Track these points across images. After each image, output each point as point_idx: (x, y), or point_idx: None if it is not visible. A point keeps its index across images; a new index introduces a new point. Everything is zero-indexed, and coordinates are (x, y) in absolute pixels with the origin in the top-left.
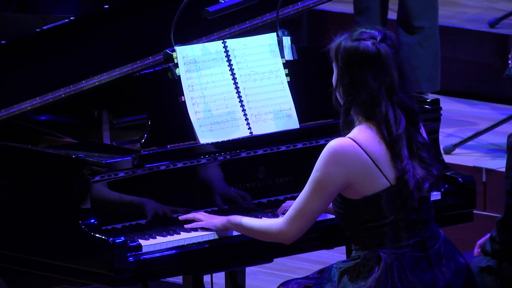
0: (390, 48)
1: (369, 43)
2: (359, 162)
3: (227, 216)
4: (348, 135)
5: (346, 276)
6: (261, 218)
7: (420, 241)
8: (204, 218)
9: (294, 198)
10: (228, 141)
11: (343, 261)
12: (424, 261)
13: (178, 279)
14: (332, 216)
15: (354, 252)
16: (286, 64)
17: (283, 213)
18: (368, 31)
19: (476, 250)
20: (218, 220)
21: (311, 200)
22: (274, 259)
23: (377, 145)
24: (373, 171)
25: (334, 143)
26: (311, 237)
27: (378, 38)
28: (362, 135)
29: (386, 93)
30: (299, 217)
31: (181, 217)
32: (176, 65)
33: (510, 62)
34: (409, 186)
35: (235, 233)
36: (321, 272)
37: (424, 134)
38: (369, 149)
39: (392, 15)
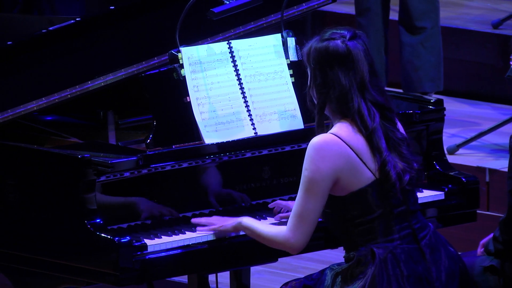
0: (360, 45)
1: (338, 41)
2: (344, 156)
3: (239, 217)
4: (330, 131)
5: (340, 277)
6: (266, 218)
7: (411, 233)
8: (216, 221)
9: None
10: (233, 141)
11: (338, 264)
12: (417, 252)
13: (183, 279)
14: None
15: (346, 253)
16: (291, 65)
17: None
18: (338, 31)
19: (479, 250)
20: (230, 223)
21: (306, 201)
22: (279, 259)
23: (358, 139)
24: (358, 165)
25: (317, 139)
26: (315, 236)
27: (348, 37)
28: (342, 130)
29: (358, 89)
30: (300, 222)
31: (193, 220)
32: (181, 66)
33: (511, 63)
34: (391, 178)
35: (240, 232)
36: (323, 272)
37: (402, 130)
38: (351, 143)
39: (394, 15)
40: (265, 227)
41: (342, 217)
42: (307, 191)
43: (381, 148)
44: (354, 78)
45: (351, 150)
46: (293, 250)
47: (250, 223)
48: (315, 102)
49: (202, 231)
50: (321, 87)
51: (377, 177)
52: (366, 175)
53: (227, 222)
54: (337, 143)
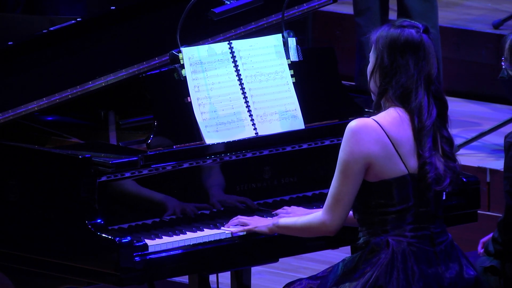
0: (431, 41)
1: (413, 31)
2: (380, 143)
3: (272, 219)
4: (372, 117)
5: (351, 263)
6: (267, 218)
7: (429, 235)
8: (249, 221)
9: (299, 198)
10: (234, 141)
11: (351, 256)
12: (432, 255)
13: (184, 279)
14: None
15: (362, 238)
16: (292, 65)
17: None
18: (408, 21)
19: (480, 248)
20: (264, 224)
21: (341, 183)
22: (280, 259)
23: (402, 131)
24: (393, 156)
25: (355, 123)
26: (316, 237)
27: (422, 29)
28: (387, 118)
29: (424, 81)
30: (335, 203)
31: (227, 225)
32: (182, 66)
33: (503, 64)
34: (428, 178)
35: (241, 233)
36: (333, 267)
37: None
38: (391, 133)
39: (392, 15)
40: (297, 219)
41: (367, 202)
42: (342, 173)
43: (426, 146)
44: (423, 70)
45: (388, 139)
46: (329, 232)
47: (285, 222)
48: (375, 86)
49: (236, 230)
50: (388, 71)
51: (412, 173)
52: (399, 167)
53: (261, 223)
54: (375, 130)
